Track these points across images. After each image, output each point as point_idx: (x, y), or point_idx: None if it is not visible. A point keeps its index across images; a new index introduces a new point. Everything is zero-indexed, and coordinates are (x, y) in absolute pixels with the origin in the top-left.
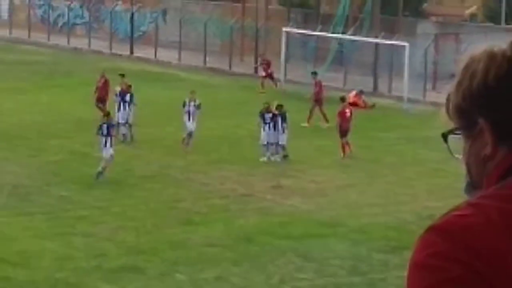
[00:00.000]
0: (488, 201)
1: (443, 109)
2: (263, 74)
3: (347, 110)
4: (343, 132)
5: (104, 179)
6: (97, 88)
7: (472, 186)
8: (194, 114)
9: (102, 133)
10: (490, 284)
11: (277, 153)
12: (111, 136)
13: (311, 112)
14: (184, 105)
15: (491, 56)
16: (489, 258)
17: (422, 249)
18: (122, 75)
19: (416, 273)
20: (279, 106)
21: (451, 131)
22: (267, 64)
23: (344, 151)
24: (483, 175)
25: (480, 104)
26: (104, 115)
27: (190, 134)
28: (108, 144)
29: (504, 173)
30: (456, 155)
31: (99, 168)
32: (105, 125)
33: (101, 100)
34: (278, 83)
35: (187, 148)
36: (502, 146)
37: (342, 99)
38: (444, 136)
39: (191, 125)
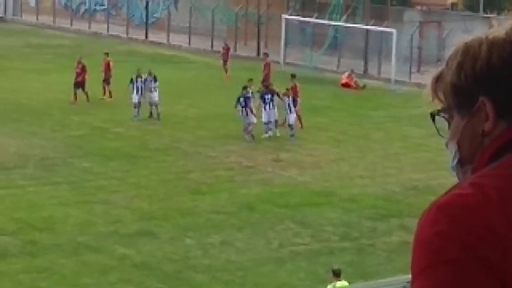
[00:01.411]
0: (487, 181)
1: (427, 90)
2: (221, 60)
3: (298, 85)
4: (296, 104)
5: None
6: (76, 73)
7: (461, 163)
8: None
9: (240, 105)
10: (489, 264)
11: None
12: (248, 106)
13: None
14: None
15: (492, 41)
16: (488, 238)
17: (427, 226)
18: (106, 54)
19: (420, 251)
20: (287, 90)
21: (440, 111)
22: (226, 49)
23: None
24: (476, 151)
25: (483, 84)
26: (243, 88)
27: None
28: (248, 113)
29: (501, 146)
30: (442, 134)
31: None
32: (242, 98)
33: (80, 84)
34: (227, 72)
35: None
36: (502, 122)
37: (293, 76)
38: (432, 116)
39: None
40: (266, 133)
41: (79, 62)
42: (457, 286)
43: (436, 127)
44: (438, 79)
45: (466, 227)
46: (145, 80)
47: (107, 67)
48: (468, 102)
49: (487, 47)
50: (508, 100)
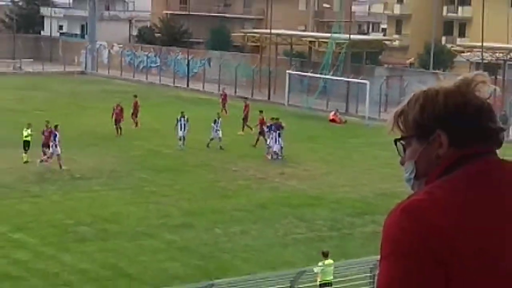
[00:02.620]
0: (438, 190)
1: (388, 122)
2: (221, 102)
3: (263, 119)
4: (263, 133)
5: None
6: (115, 113)
7: (417, 177)
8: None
9: (269, 130)
10: (436, 253)
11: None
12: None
13: (243, 125)
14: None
15: (446, 91)
16: (436, 233)
17: (393, 224)
18: (135, 96)
19: (387, 241)
20: (276, 119)
21: (401, 138)
22: (224, 96)
23: (256, 143)
24: (430, 168)
25: (440, 121)
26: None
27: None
28: (276, 141)
29: (450, 165)
30: (402, 155)
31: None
32: (273, 126)
33: (118, 121)
34: (227, 112)
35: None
36: (451, 148)
37: (261, 111)
38: (395, 142)
39: (276, 145)
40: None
41: (118, 105)
42: (411, 270)
43: (398, 149)
44: (400, 115)
45: (421, 224)
46: (216, 122)
47: (136, 105)
48: (426, 134)
49: (444, 95)
50: (458, 133)
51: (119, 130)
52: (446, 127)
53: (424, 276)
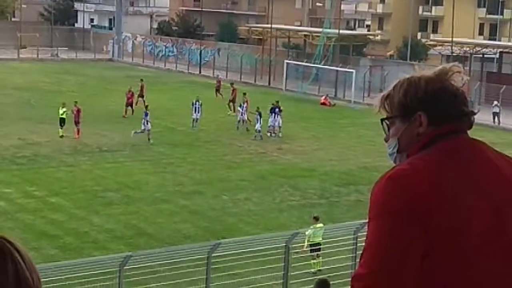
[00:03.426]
0: (419, 161)
1: (376, 103)
2: (216, 88)
3: (248, 100)
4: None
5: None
6: (127, 97)
7: (399, 151)
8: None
9: (259, 115)
10: (417, 214)
11: (276, 132)
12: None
13: (230, 106)
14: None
15: (427, 78)
16: (417, 197)
17: (380, 190)
18: (141, 80)
19: (375, 204)
20: (276, 102)
21: (387, 118)
22: (219, 82)
23: (250, 121)
24: (411, 144)
25: (422, 104)
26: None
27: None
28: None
29: (428, 141)
30: (386, 133)
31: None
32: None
33: (129, 104)
34: (223, 96)
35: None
36: (430, 127)
37: (244, 94)
38: (381, 121)
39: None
40: (271, 134)
41: (129, 90)
42: (397, 225)
43: (383, 128)
44: (386, 98)
45: (405, 190)
46: (242, 106)
47: (142, 88)
48: (409, 114)
49: (425, 82)
50: (436, 114)
51: (129, 111)
52: (426, 109)
53: (409, 231)
